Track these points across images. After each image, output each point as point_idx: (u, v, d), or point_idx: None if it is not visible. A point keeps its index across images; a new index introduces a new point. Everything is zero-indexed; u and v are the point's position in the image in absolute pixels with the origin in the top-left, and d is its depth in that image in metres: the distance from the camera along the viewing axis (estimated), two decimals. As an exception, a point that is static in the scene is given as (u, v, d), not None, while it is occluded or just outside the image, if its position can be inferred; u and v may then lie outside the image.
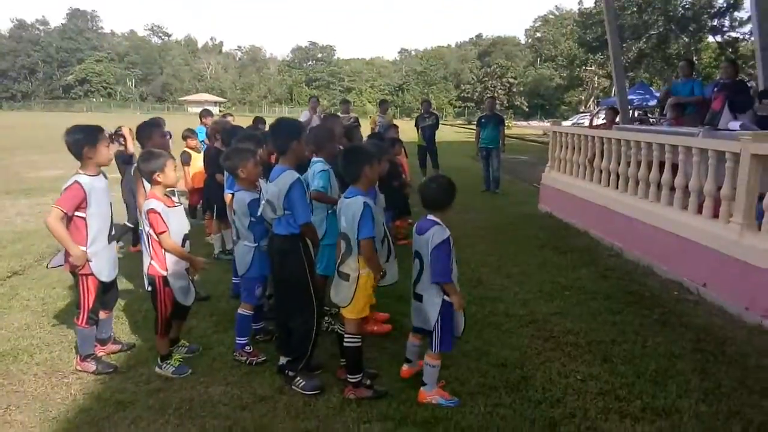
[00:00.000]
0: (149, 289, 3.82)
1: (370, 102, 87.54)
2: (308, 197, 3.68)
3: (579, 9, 47.07)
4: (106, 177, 3.92)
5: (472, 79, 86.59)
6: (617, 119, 11.30)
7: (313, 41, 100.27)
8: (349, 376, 3.63)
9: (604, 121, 12.03)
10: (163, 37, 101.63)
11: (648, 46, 38.46)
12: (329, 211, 4.41)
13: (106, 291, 4.00)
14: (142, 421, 3.32)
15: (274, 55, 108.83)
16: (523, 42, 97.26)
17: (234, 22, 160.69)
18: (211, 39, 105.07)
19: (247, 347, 4.09)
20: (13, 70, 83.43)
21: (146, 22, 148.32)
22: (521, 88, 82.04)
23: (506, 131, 13.52)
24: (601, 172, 8.22)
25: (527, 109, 78.78)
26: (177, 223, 3.78)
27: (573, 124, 34.04)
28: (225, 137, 6.01)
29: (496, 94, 77.25)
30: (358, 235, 3.48)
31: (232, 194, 4.33)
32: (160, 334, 3.86)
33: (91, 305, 3.81)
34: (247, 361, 4.03)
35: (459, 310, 3.50)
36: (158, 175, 3.75)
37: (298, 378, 3.67)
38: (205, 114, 9.70)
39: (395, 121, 13.77)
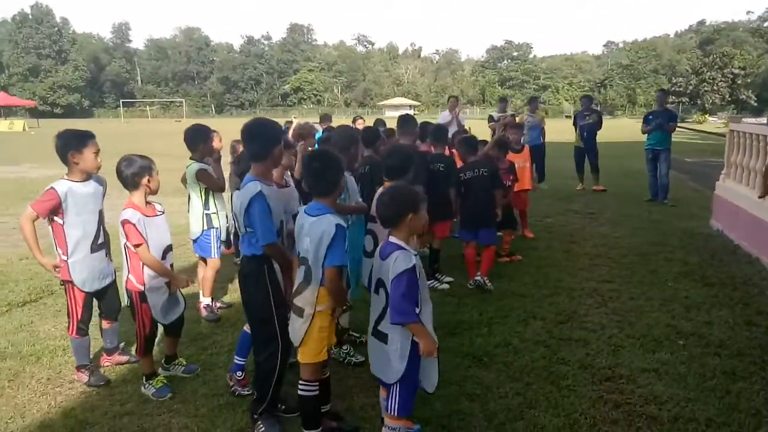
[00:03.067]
0: (127, 304, 3.64)
1: (567, 100, 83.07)
2: (273, 216, 3.13)
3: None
4: (101, 184, 3.81)
5: (687, 70, 76.63)
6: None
7: (509, 40, 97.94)
8: (304, 431, 3.02)
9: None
10: (367, 46, 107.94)
11: None
12: (349, 222, 3.82)
13: (100, 300, 3.91)
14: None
15: (470, 56, 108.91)
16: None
17: (433, 27, 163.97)
18: (411, 45, 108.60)
19: (238, 372, 3.67)
20: (242, 81, 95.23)
21: (354, 32, 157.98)
22: (748, 80, 70.24)
23: (720, 129, 11.43)
24: (779, 182, 6.32)
25: (755, 104, 67.21)
26: (157, 234, 3.54)
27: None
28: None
29: (716, 87, 67.51)
30: (324, 262, 2.88)
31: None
32: (139, 352, 3.66)
33: (79, 316, 3.73)
34: (233, 389, 3.64)
35: (426, 355, 2.69)
36: (148, 180, 3.56)
37: (260, 423, 3.18)
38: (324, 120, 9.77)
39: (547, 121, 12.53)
